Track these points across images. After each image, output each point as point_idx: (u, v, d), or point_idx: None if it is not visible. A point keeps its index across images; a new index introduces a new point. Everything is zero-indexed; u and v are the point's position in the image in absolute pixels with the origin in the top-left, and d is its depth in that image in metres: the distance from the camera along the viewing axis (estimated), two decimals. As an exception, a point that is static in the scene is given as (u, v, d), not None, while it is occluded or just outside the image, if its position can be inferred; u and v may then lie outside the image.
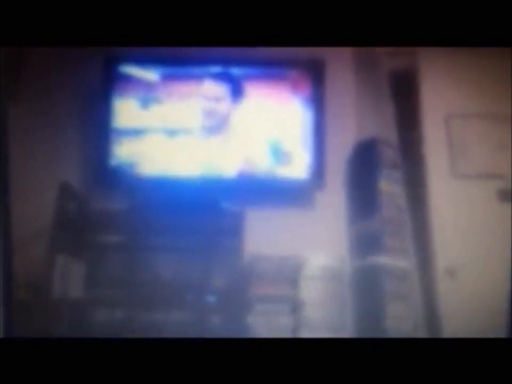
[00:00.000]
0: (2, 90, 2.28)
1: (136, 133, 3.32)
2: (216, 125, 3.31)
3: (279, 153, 3.29)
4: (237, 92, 3.31)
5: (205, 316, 2.97)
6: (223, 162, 3.31)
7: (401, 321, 2.94)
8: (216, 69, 3.35)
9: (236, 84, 3.31)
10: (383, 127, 3.39)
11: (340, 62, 3.47)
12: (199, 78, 3.33)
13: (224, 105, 3.31)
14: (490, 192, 3.29)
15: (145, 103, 3.33)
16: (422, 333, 2.98)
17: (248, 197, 3.24)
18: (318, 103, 3.31)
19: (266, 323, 2.98)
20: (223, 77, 3.33)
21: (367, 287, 3.05)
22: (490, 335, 2.40)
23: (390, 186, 3.18)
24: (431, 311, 3.11)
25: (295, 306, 3.03)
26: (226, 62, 3.33)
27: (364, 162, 3.29)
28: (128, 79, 3.36)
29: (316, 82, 3.33)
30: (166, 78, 3.36)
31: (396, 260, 3.06)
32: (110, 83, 3.35)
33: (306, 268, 3.09)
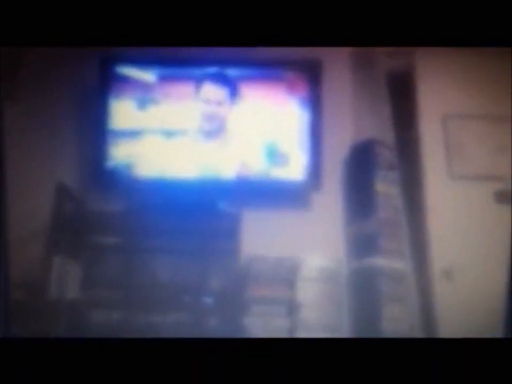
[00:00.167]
0: (-1, 91, 2.28)
1: (133, 134, 3.31)
2: (216, 129, 3.31)
3: (275, 155, 3.28)
4: (234, 93, 3.30)
5: (202, 317, 2.96)
6: (220, 164, 3.30)
7: (398, 323, 2.93)
8: (212, 70, 3.34)
9: (233, 85, 3.31)
10: (380, 127, 3.39)
11: (337, 63, 3.48)
12: (196, 79, 3.32)
13: (225, 109, 3.31)
14: (487, 193, 3.29)
15: (142, 104, 3.33)
16: (418, 335, 2.98)
17: (245, 199, 3.24)
18: (314, 104, 3.31)
19: (263, 324, 2.98)
20: (222, 79, 3.32)
21: (364, 288, 3.05)
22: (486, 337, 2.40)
23: (386, 187, 3.17)
24: (427, 312, 3.11)
25: (292, 308, 3.02)
26: (222, 63, 3.32)
27: (361, 163, 3.29)
28: (125, 79, 3.35)
29: (312, 83, 3.32)
30: (163, 79, 3.36)
31: (392, 261, 3.05)
32: (107, 84, 3.34)
33: (302, 269, 3.09)
